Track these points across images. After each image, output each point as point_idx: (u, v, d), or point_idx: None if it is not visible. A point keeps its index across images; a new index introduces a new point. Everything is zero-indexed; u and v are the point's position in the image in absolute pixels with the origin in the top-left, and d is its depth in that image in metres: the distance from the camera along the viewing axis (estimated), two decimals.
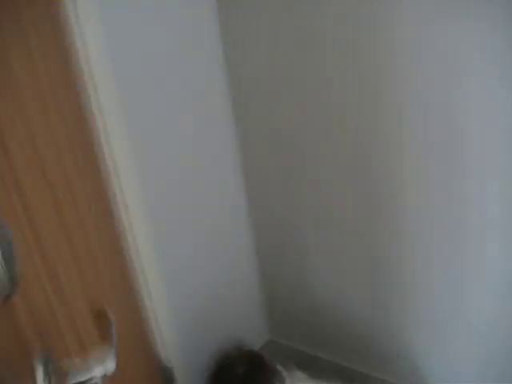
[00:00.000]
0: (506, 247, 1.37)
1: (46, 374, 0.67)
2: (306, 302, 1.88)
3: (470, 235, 1.42)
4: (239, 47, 1.60)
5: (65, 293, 0.85)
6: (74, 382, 0.77)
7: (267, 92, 1.61)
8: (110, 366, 0.82)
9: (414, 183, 1.45)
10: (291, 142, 1.63)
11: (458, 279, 1.49)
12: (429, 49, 1.28)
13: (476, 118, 1.28)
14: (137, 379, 1.34)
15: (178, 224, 1.62)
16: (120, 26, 1.35)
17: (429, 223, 1.47)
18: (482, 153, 1.31)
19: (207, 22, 1.59)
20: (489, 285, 1.44)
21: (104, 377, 0.81)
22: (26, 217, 0.75)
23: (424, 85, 1.32)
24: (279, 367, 1.65)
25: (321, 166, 1.61)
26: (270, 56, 1.55)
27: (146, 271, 1.49)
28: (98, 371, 0.80)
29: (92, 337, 0.91)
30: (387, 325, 1.70)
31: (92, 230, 1.07)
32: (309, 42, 1.45)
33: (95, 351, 0.84)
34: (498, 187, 1.32)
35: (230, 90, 1.67)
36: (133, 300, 1.45)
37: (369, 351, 1.80)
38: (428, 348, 1.65)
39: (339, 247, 1.70)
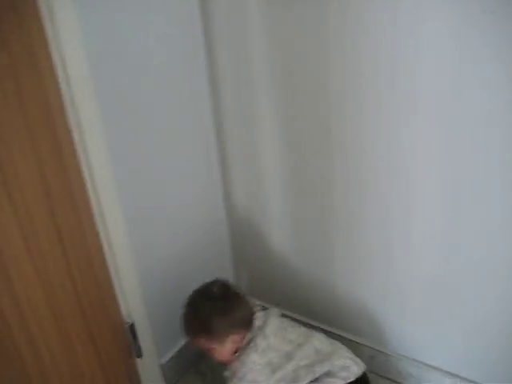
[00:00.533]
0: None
1: None
2: (267, 259, 1.86)
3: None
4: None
5: None
6: None
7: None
8: None
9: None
10: None
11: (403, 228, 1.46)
12: None
13: None
14: (96, 335, 1.29)
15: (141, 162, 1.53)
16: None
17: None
18: None
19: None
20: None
21: None
22: None
23: None
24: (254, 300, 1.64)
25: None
26: None
27: (108, 222, 1.41)
28: None
29: None
30: (345, 281, 1.69)
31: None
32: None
33: None
34: None
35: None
36: (94, 256, 1.39)
37: (327, 307, 1.78)
38: (385, 303, 1.63)
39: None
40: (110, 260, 1.46)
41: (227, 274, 1.97)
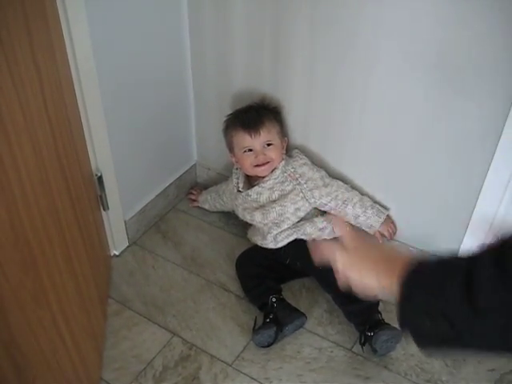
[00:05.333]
0: None
1: None
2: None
3: None
4: None
5: None
6: None
7: None
8: None
9: None
10: None
11: None
12: None
13: None
14: (71, 184, 1.27)
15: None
16: None
17: None
18: None
19: None
20: None
21: None
22: None
23: None
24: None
25: None
26: None
27: (81, 72, 1.38)
28: None
29: None
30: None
31: None
32: None
33: None
34: None
35: None
36: (70, 112, 1.35)
37: None
38: None
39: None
40: (83, 115, 1.44)
41: (190, 131, 1.95)
